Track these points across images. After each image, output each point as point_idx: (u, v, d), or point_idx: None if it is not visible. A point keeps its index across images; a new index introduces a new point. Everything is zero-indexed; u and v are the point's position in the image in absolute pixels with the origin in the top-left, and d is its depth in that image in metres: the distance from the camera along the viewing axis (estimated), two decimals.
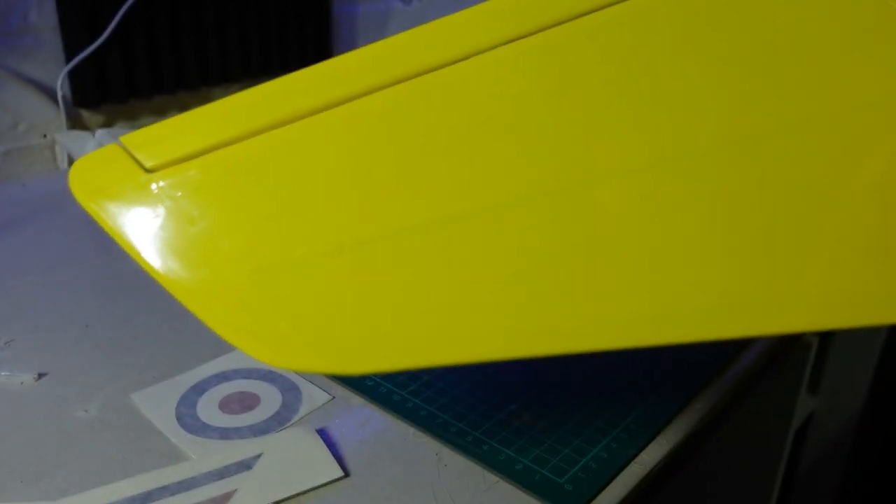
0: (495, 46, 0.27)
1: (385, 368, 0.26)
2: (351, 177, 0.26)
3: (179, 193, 0.26)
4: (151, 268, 0.26)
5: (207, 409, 0.39)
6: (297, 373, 0.42)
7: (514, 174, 0.27)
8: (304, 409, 0.39)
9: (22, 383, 0.41)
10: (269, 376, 0.42)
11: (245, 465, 0.35)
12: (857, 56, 0.26)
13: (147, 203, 0.26)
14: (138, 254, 0.26)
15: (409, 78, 0.27)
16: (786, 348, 0.49)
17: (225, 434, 0.37)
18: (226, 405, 0.39)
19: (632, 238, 0.26)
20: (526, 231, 0.26)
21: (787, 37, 0.26)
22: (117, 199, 0.26)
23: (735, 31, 0.27)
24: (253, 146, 0.26)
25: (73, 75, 0.78)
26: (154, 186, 0.26)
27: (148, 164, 0.26)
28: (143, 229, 0.26)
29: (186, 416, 0.38)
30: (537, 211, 0.26)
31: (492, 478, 0.35)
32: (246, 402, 0.40)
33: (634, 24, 0.27)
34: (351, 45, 1.03)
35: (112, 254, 0.58)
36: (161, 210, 0.26)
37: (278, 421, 0.38)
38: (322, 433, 0.37)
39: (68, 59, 0.77)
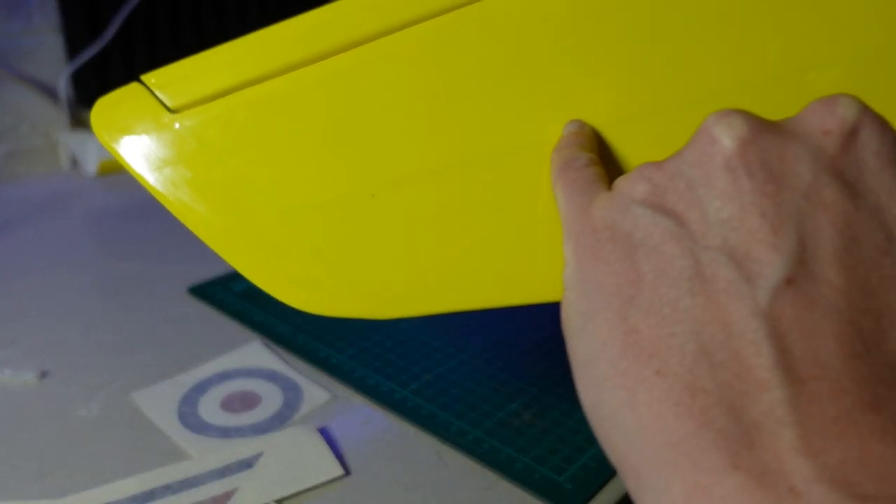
0: None
1: (417, 312, 0.25)
2: (382, 116, 0.26)
3: (204, 134, 0.25)
4: (177, 210, 0.25)
5: (209, 408, 0.39)
6: (300, 371, 0.42)
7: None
8: (305, 408, 0.39)
9: (24, 383, 0.41)
10: (271, 375, 0.42)
11: (246, 464, 0.35)
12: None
13: (171, 143, 0.25)
14: (163, 196, 0.25)
15: (439, 14, 0.26)
16: None
17: (226, 433, 0.37)
18: (227, 404, 0.40)
19: None
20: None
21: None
22: (140, 138, 0.26)
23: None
24: (279, 85, 0.26)
25: (76, 76, 0.78)
26: (178, 126, 0.26)
27: (171, 104, 0.26)
28: (167, 171, 0.25)
29: (188, 415, 0.39)
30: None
31: (492, 476, 0.35)
32: (247, 400, 0.40)
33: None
34: None
35: (114, 253, 0.58)
36: (186, 151, 0.25)
37: (279, 420, 0.38)
38: (323, 432, 0.37)
39: (71, 60, 0.77)
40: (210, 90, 0.26)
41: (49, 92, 0.78)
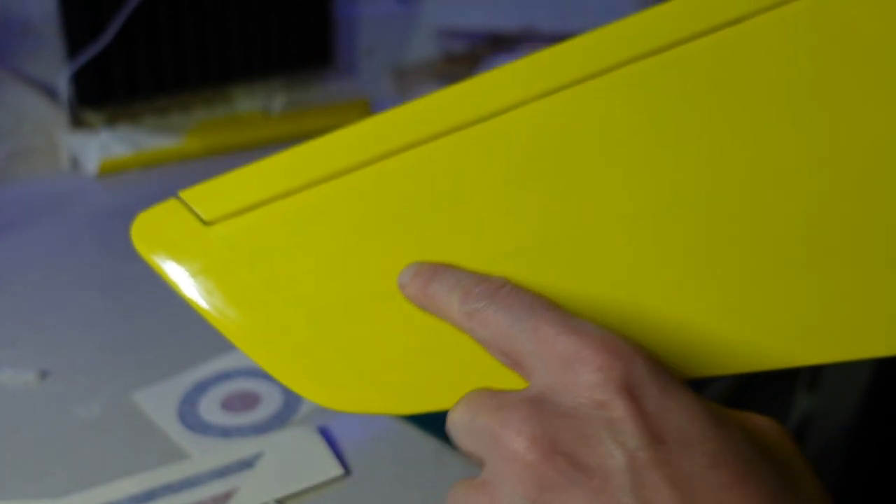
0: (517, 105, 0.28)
1: (441, 407, 0.27)
2: (401, 225, 0.28)
3: (235, 243, 0.28)
4: (209, 315, 0.28)
5: (209, 408, 0.39)
6: None
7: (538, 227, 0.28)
8: (305, 408, 0.39)
9: (25, 383, 0.41)
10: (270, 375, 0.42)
11: (246, 464, 0.35)
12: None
13: (205, 253, 0.28)
14: (197, 303, 0.28)
15: (449, 132, 0.28)
16: None
17: (226, 432, 0.37)
18: (227, 404, 0.40)
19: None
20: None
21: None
22: (177, 249, 0.28)
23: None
24: (305, 198, 0.28)
25: (76, 76, 0.78)
26: (211, 237, 0.28)
27: (206, 217, 0.28)
28: (201, 279, 0.28)
29: (188, 415, 0.39)
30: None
31: None
32: (247, 400, 0.40)
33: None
34: (351, 47, 1.03)
35: (115, 254, 0.58)
36: (218, 259, 0.28)
37: (280, 419, 0.39)
38: (323, 432, 0.37)
39: (71, 60, 0.77)
40: (242, 204, 0.28)
41: (50, 92, 0.78)
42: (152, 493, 0.33)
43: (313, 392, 0.27)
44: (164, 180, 0.75)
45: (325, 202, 0.28)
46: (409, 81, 1.11)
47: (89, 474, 0.35)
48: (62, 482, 0.34)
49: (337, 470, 0.35)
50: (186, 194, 0.29)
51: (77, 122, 0.81)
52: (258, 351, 0.27)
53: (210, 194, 0.28)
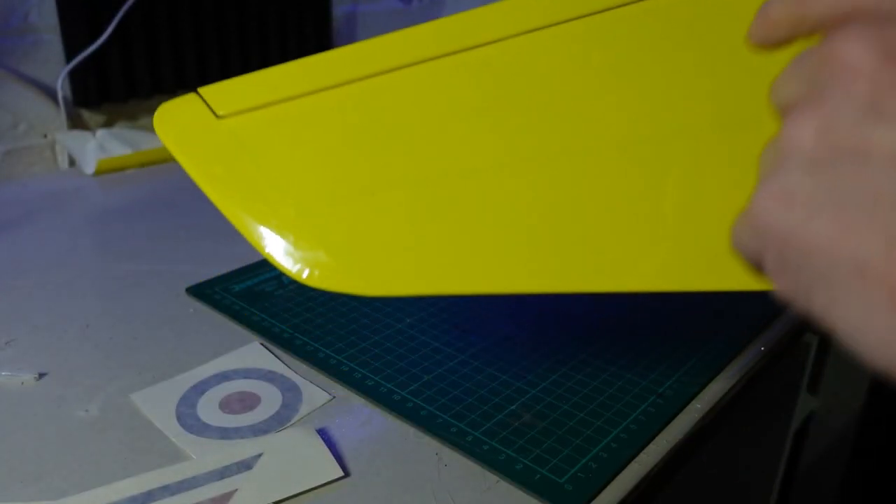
0: (514, 35, 0.33)
1: (402, 293, 0.30)
2: (389, 132, 0.32)
3: (243, 137, 0.31)
4: (215, 198, 0.31)
5: (208, 409, 0.39)
6: (297, 374, 0.42)
7: (528, 140, 0.32)
8: (304, 409, 0.39)
9: (22, 383, 0.41)
10: (270, 376, 0.42)
11: (245, 465, 0.35)
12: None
13: (216, 143, 0.31)
14: (205, 186, 0.31)
15: (453, 53, 0.32)
16: (786, 348, 0.49)
17: (225, 434, 0.37)
18: (226, 405, 0.39)
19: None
20: (528, 189, 0.31)
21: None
22: (191, 139, 0.31)
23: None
24: (309, 103, 0.32)
25: (74, 75, 0.78)
26: (223, 130, 0.31)
27: (219, 112, 0.32)
28: (210, 166, 0.31)
29: (187, 416, 0.38)
30: (537, 174, 0.32)
31: (492, 478, 0.35)
32: (246, 401, 0.40)
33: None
34: None
35: (112, 253, 0.58)
36: (226, 150, 0.31)
37: (278, 421, 0.38)
38: (322, 433, 0.37)
39: (68, 60, 0.77)
40: (252, 103, 0.32)
41: (47, 91, 0.78)
42: (150, 495, 0.33)
43: (295, 270, 0.30)
44: (161, 180, 0.75)
45: (329, 108, 0.32)
46: None
47: (87, 476, 0.34)
48: (59, 484, 0.34)
49: (336, 471, 0.35)
50: (205, 90, 0.32)
51: (74, 122, 0.80)
52: (252, 232, 0.30)
53: (226, 92, 0.32)
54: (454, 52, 0.32)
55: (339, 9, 0.99)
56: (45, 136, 0.79)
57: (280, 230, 0.30)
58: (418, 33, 0.33)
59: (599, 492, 0.34)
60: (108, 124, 0.84)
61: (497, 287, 0.31)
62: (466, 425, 0.38)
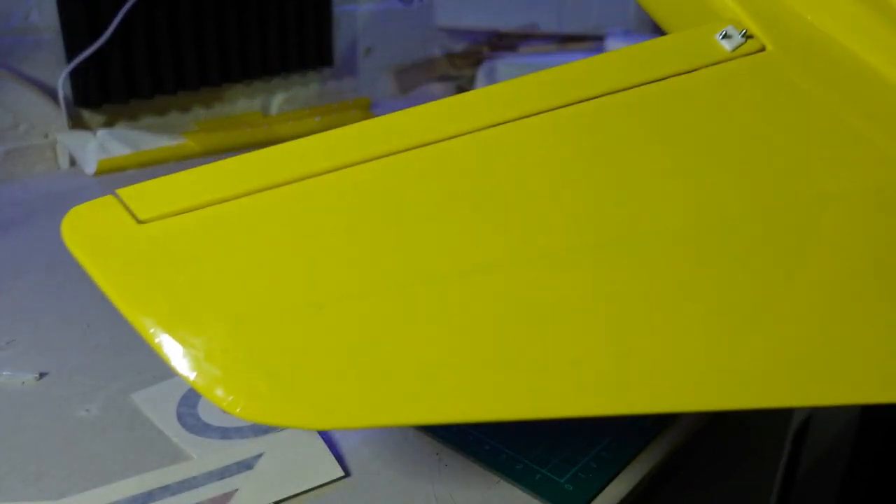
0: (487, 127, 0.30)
1: (356, 425, 0.27)
2: (333, 238, 0.28)
3: (166, 242, 0.27)
4: (129, 315, 0.26)
5: (208, 409, 0.39)
6: None
7: (497, 240, 0.28)
8: None
9: (23, 383, 0.41)
10: None
11: (246, 465, 0.35)
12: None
13: (135, 252, 0.27)
14: (119, 300, 0.26)
15: (396, 152, 0.29)
16: None
17: (226, 434, 0.37)
18: None
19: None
20: (504, 298, 0.27)
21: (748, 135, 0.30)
22: (105, 245, 0.27)
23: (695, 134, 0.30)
24: (241, 205, 0.28)
25: (75, 75, 0.78)
26: (143, 236, 0.27)
27: (141, 216, 0.27)
28: (126, 276, 0.26)
29: (187, 416, 0.38)
30: (515, 277, 0.27)
31: (492, 478, 0.35)
32: None
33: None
34: (351, 46, 1.03)
35: None
36: (147, 259, 0.27)
37: None
38: (322, 433, 0.37)
39: (69, 59, 0.77)
40: (178, 206, 0.27)
41: (48, 91, 0.78)
42: (151, 495, 0.33)
43: (229, 403, 0.25)
44: None
45: (258, 211, 0.28)
46: (410, 80, 1.11)
47: (88, 476, 0.34)
48: (60, 484, 0.34)
49: (337, 471, 0.35)
50: (124, 192, 0.28)
51: (75, 122, 0.81)
52: (173, 354, 0.26)
53: (147, 194, 0.28)
54: (401, 150, 0.29)
55: (339, 9, 0.99)
56: (46, 136, 0.79)
57: (209, 354, 0.25)
58: (355, 132, 0.30)
59: (600, 492, 0.34)
60: (108, 124, 0.84)
61: (479, 414, 0.26)
62: (466, 425, 0.38)
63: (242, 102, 0.96)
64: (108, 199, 0.28)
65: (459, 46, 1.21)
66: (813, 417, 0.90)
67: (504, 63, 1.06)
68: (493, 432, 0.37)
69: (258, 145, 0.90)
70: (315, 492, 0.34)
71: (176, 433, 0.37)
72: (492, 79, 1.05)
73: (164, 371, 0.42)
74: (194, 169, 0.28)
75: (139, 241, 0.27)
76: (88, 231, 0.27)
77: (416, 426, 0.38)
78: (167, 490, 0.33)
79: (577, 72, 0.31)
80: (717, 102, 0.31)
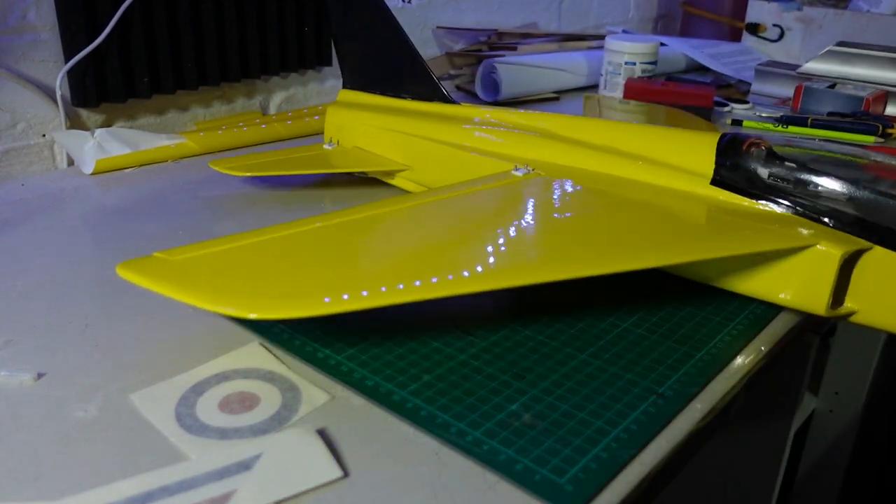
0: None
1: (293, 315, 0.39)
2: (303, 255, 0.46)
3: (186, 265, 0.43)
4: (190, 302, 0.40)
5: (207, 410, 0.39)
6: (295, 374, 0.42)
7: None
8: (303, 410, 0.39)
9: (21, 383, 0.41)
10: (269, 376, 0.42)
11: (245, 466, 0.34)
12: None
13: (167, 270, 0.43)
14: (180, 298, 0.41)
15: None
16: (786, 348, 0.49)
17: (224, 434, 0.37)
18: (225, 405, 0.39)
19: None
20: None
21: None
22: (154, 275, 0.42)
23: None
24: (239, 246, 0.46)
25: (72, 75, 0.78)
26: (175, 261, 0.44)
27: (171, 258, 0.44)
28: (168, 282, 0.42)
29: (186, 417, 0.38)
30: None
31: (492, 478, 0.35)
32: (245, 402, 0.40)
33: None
34: None
35: (111, 252, 0.58)
36: (174, 273, 0.42)
37: (278, 421, 0.38)
38: (322, 433, 0.37)
39: (67, 59, 0.77)
40: (195, 252, 0.44)
41: (45, 91, 0.77)
42: (149, 496, 0.33)
43: (251, 314, 0.39)
44: (160, 180, 0.75)
45: (252, 247, 0.46)
46: None
47: (85, 476, 0.34)
48: (58, 484, 0.34)
49: (336, 472, 0.34)
50: (160, 253, 0.44)
51: (73, 122, 0.80)
52: (216, 307, 0.40)
53: (175, 251, 0.44)
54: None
55: None
56: (44, 135, 0.79)
57: (236, 303, 0.40)
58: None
59: (599, 492, 0.34)
60: (106, 124, 0.83)
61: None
62: (466, 425, 0.38)
63: (241, 102, 0.96)
64: (147, 257, 0.44)
65: (459, 46, 1.21)
66: (814, 417, 0.90)
67: (504, 63, 1.06)
68: (493, 433, 0.37)
69: (256, 145, 0.90)
70: (314, 492, 0.34)
71: (174, 433, 0.37)
72: (492, 79, 1.05)
73: (162, 371, 0.42)
74: (204, 241, 0.46)
75: (170, 265, 0.43)
76: (140, 269, 0.42)
77: (413, 423, 0.38)
78: (165, 491, 0.33)
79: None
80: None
